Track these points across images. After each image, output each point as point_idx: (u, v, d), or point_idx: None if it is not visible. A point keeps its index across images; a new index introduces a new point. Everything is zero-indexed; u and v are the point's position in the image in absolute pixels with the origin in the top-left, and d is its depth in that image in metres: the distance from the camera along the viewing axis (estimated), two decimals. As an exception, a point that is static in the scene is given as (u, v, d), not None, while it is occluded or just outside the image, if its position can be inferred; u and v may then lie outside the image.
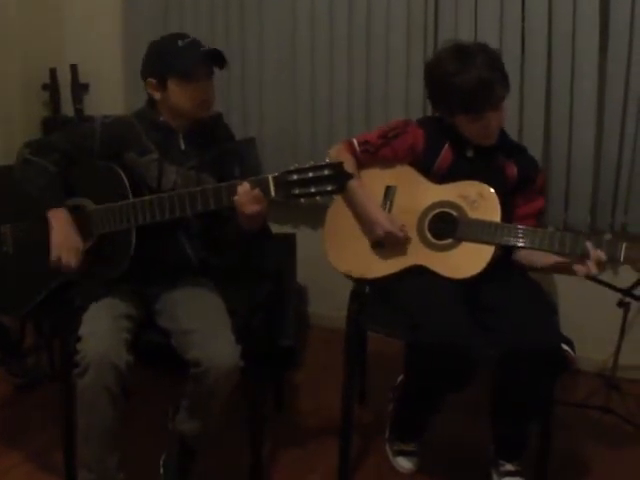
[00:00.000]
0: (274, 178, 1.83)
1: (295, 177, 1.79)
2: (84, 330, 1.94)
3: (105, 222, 2.01)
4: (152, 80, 2.05)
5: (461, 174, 2.17)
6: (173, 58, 2.01)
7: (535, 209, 2.24)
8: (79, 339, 1.92)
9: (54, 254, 1.96)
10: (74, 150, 2.09)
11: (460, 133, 2.18)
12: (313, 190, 1.79)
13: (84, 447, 1.98)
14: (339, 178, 1.79)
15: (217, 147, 2.14)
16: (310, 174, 1.79)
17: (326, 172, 1.78)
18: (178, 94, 2.03)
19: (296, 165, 1.81)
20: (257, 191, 1.84)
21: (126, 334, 1.97)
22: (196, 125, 2.10)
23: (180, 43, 2.02)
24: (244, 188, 1.85)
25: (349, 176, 1.82)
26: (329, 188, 1.79)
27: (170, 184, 2.06)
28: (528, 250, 2.11)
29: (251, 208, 1.86)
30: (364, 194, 2.23)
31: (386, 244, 2.21)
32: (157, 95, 2.06)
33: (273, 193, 1.83)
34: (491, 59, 2.08)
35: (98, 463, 1.96)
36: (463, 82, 2.03)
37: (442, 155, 2.19)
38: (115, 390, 1.90)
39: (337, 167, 1.79)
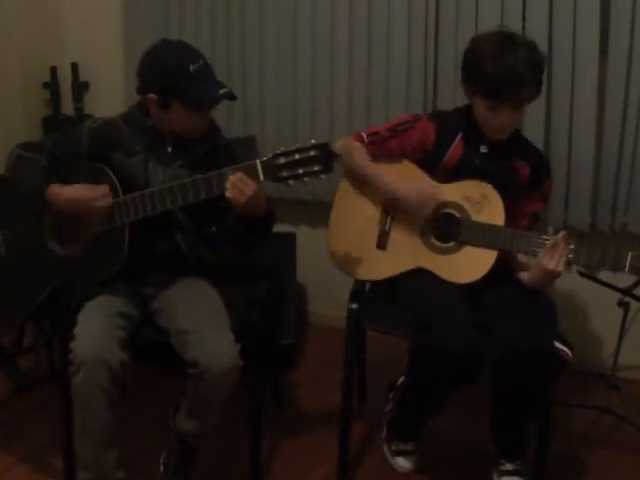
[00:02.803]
0: (262, 162, 1.85)
1: (282, 160, 1.82)
2: (77, 329, 1.94)
3: (98, 221, 2.01)
4: (154, 96, 2.01)
5: (472, 168, 2.14)
6: (183, 85, 1.96)
7: (533, 210, 2.22)
8: (73, 338, 1.93)
9: (86, 197, 1.97)
10: (62, 153, 2.10)
11: (475, 127, 2.14)
12: (301, 171, 1.82)
13: (81, 445, 1.98)
14: (326, 158, 1.82)
15: (204, 144, 2.13)
16: (297, 156, 1.82)
17: (312, 153, 1.81)
18: (180, 118, 2.02)
19: (282, 148, 1.83)
20: (243, 176, 1.86)
21: (120, 332, 1.96)
22: None
23: (191, 68, 1.96)
24: (231, 180, 1.87)
25: (335, 155, 1.85)
26: (316, 168, 1.82)
27: (158, 184, 2.04)
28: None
29: (243, 196, 1.87)
30: (385, 176, 2.18)
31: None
32: (154, 110, 2.04)
33: (262, 177, 1.86)
34: (534, 59, 2.03)
35: (95, 461, 1.96)
36: (496, 66, 1.98)
37: (454, 146, 2.16)
38: (109, 388, 1.89)
39: (323, 147, 1.82)
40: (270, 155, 1.84)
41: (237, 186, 1.87)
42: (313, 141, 1.84)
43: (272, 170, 1.84)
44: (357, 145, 2.20)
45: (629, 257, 1.92)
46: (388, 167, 2.22)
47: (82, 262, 2.05)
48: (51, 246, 2.10)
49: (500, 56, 1.99)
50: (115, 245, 2.01)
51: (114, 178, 2.02)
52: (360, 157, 2.19)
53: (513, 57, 1.98)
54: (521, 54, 1.99)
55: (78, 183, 2.03)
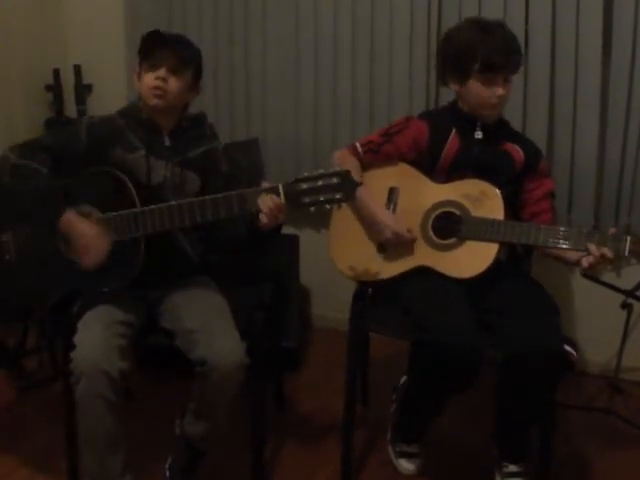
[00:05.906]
0: (284, 187, 1.85)
1: (305, 186, 1.82)
2: (77, 338, 1.92)
3: (115, 230, 1.96)
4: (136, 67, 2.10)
5: (470, 159, 2.18)
6: (142, 45, 2.10)
7: (547, 190, 2.26)
8: (73, 347, 1.91)
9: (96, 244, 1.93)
10: (60, 150, 2.03)
11: (467, 116, 2.19)
12: (322, 198, 1.82)
13: (85, 454, 1.98)
14: (347, 186, 1.82)
15: (201, 146, 2.13)
16: (319, 182, 1.82)
17: (334, 180, 1.82)
18: (142, 81, 2.06)
19: (305, 174, 1.83)
20: (279, 202, 1.85)
21: (120, 340, 1.94)
22: (180, 123, 2.11)
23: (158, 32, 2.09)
24: (268, 204, 1.85)
25: (357, 184, 1.85)
26: (337, 196, 1.82)
27: (160, 178, 2.05)
28: None
29: (276, 221, 1.89)
30: (369, 196, 2.23)
31: (392, 246, 2.21)
32: (135, 81, 2.10)
33: (283, 201, 1.86)
34: (508, 30, 2.18)
35: (100, 469, 1.96)
36: (487, 44, 2.09)
37: (450, 141, 2.20)
38: (110, 397, 1.88)
39: (345, 175, 1.82)
40: (292, 180, 1.84)
41: (273, 213, 1.86)
42: (336, 168, 1.85)
43: (294, 195, 1.84)
44: (351, 159, 2.26)
45: (628, 241, 1.95)
46: (384, 172, 2.26)
47: (94, 269, 2.02)
48: (62, 249, 2.05)
49: (486, 36, 2.12)
50: (129, 257, 1.96)
51: (130, 185, 1.96)
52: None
53: (496, 33, 2.13)
54: (499, 29, 2.15)
55: (91, 192, 2.00)
